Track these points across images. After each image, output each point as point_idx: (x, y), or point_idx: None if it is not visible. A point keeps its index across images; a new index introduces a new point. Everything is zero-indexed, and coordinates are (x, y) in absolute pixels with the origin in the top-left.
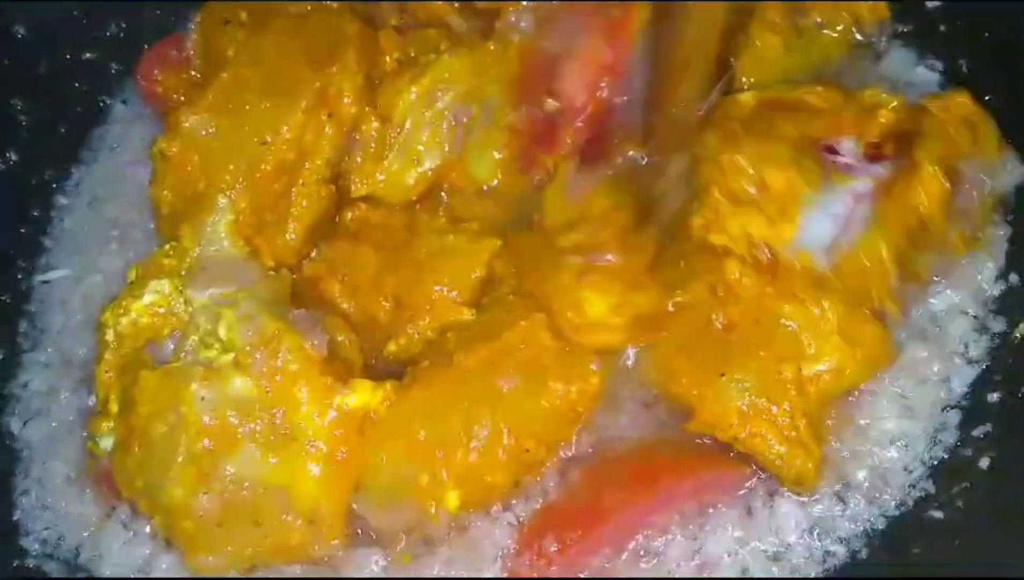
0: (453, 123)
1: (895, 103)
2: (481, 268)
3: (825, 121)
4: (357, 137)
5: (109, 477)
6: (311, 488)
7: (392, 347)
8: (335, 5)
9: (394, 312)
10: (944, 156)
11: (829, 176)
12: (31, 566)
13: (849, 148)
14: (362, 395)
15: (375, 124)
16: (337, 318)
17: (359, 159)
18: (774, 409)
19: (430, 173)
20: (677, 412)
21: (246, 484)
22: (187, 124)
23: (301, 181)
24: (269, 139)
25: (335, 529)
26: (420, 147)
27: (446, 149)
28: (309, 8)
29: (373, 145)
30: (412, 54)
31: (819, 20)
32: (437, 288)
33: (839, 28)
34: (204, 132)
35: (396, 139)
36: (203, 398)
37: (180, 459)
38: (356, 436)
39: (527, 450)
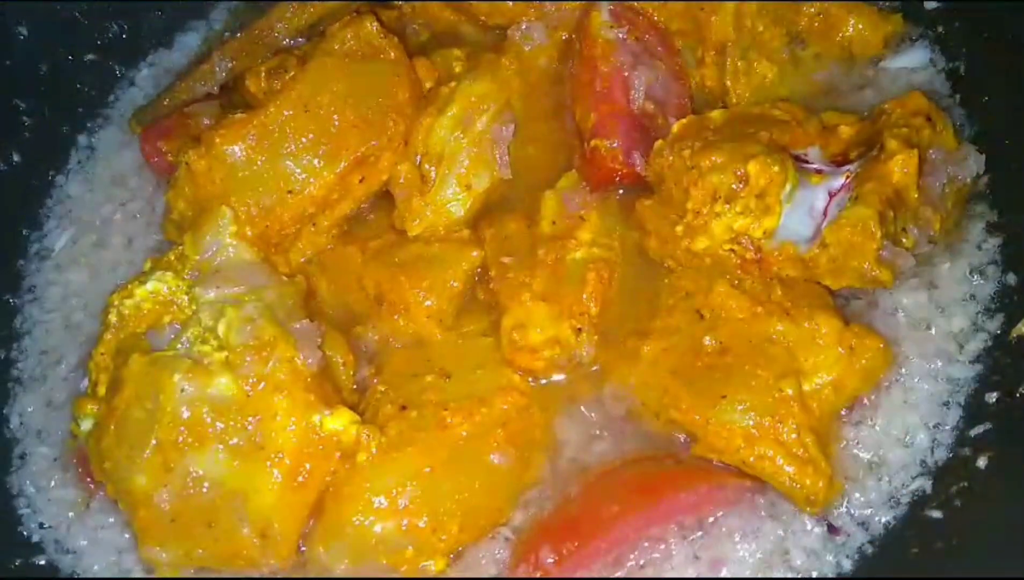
0: (495, 142)
1: (853, 119)
2: (459, 279)
3: (791, 133)
4: (391, 183)
5: (86, 460)
6: (268, 499)
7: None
8: (392, 55)
9: (372, 305)
10: (909, 139)
11: (805, 175)
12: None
13: (815, 155)
14: (340, 423)
15: (405, 166)
16: (341, 339)
17: (400, 202)
18: (780, 427)
19: (482, 194)
20: (670, 434)
21: (206, 484)
22: (221, 145)
23: (313, 226)
24: (297, 188)
25: (285, 549)
26: (465, 172)
27: (493, 169)
28: (360, 54)
29: (407, 184)
30: (428, 86)
31: (817, 52)
32: (414, 292)
33: (833, 57)
34: (235, 158)
35: (438, 171)
36: (183, 390)
37: (150, 448)
38: (323, 462)
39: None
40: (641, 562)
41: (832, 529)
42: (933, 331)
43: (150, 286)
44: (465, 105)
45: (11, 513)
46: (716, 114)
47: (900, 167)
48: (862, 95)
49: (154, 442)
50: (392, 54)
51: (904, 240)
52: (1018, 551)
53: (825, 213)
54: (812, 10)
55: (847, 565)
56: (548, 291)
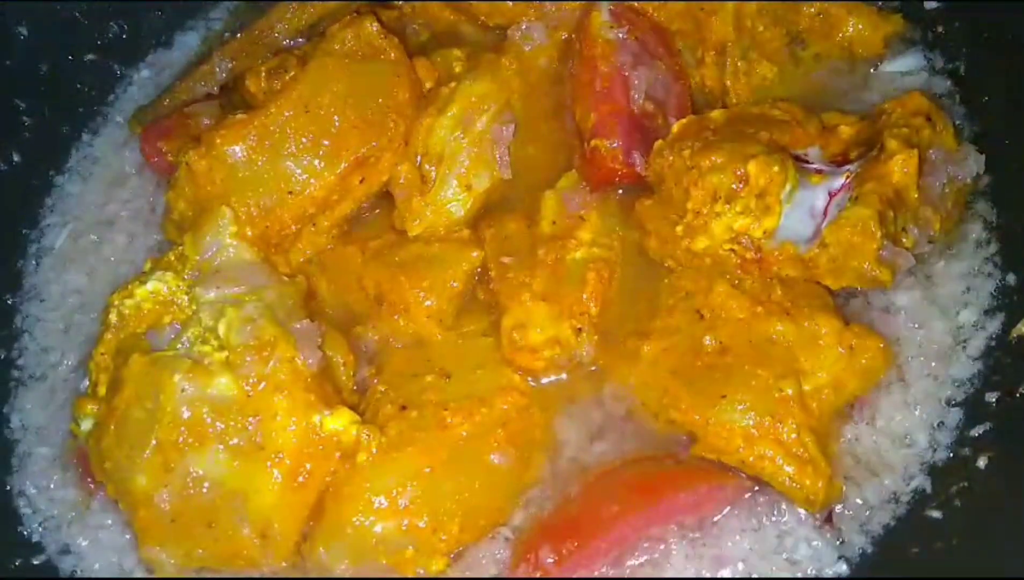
0: (495, 142)
1: (853, 119)
2: (459, 279)
3: (791, 133)
4: (391, 184)
5: (86, 460)
6: (268, 499)
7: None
8: (392, 55)
9: (372, 305)
10: (909, 139)
11: (805, 175)
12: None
13: (815, 155)
14: (340, 423)
15: (405, 166)
16: (342, 339)
17: (400, 202)
18: (779, 427)
19: (482, 194)
20: (670, 434)
21: (206, 484)
22: (221, 145)
23: (313, 226)
24: (297, 189)
25: (285, 550)
26: (465, 172)
27: (493, 169)
28: (360, 54)
29: (407, 184)
30: (428, 86)
31: (817, 52)
32: (414, 292)
33: (833, 57)
34: (235, 158)
35: (438, 171)
36: (184, 390)
37: (150, 448)
38: (323, 462)
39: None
40: (641, 562)
41: (832, 521)
42: (933, 331)
43: (150, 286)
44: (465, 105)
45: (11, 513)
46: (716, 114)
47: (900, 167)
48: (862, 95)
49: (154, 442)
50: (392, 54)
51: (904, 240)
52: (1018, 551)
53: (825, 213)
54: (812, 10)
55: (847, 565)
56: (548, 291)
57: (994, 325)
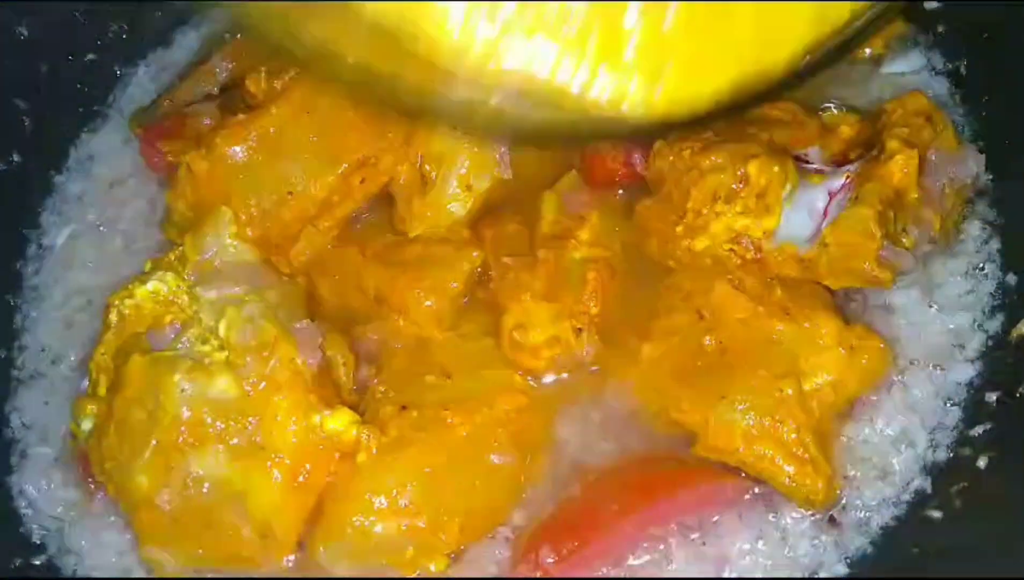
0: (495, 142)
1: (854, 119)
2: (459, 279)
3: (791, 133)
4: (392, 184)
5: (87, 460)
6: (268, 499)
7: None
8: None
9: (371, 305)
10: (909, 139)
11: (805, 175)
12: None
13: (815, 155)
14: (340, 423)
15: (406, 167)
16: (342, 339)
17: (401, 203)
18: (780, 427)
19: (482, 195)
20: (670, 434)
21: (206, 484)
22: (222, 146)
23: (313, 227)
24: (298, 189)
25: (285, 550)
26: (465, 172)
27: (494, 169)
28: None
29: (408, 185)
30: None
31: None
32: (414, 292)
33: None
34: (236, 159)
35: (439, 172)
36: (184, 390)
37: (151, 448)
38: (323, 462)
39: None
40: (641, 562)
41: (832, 521)
42: (933, 331)
43: (150, 286)
44: None
45: (12, 513)
46: None
47: (900, 167)
48: (862, 95)
49: (155, 442)
50: None
51: (904, 240)
52: (1018, 551)
53: (825, 213)
54: None
55: (847, 565)
56: (548, 291)
57: (994, 325)
